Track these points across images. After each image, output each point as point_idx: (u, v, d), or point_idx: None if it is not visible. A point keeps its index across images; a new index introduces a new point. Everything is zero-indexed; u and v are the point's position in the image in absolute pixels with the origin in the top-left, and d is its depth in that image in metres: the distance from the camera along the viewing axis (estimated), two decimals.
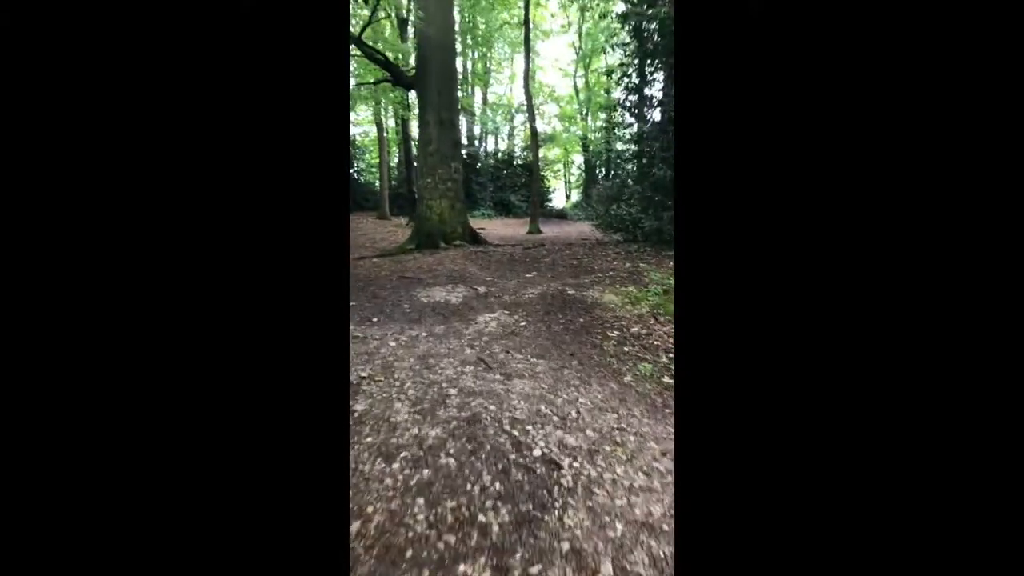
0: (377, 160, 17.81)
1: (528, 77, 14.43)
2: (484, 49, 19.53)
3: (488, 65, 22.40)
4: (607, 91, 21.60)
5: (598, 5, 17.62)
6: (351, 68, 15.56)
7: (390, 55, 8.69)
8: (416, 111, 8.76)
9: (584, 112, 21.16)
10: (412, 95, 10.77)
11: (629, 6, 8.39)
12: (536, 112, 14.56)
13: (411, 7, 7.67)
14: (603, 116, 21.58)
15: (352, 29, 8.21)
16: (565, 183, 26.95)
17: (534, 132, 14.48)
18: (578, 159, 24.71)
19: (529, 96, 14.43)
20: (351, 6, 8.17)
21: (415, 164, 9.60)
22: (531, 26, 14.75)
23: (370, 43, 8.68)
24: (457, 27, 10.10)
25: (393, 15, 10.62)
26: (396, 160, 19.70)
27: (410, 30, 11.99)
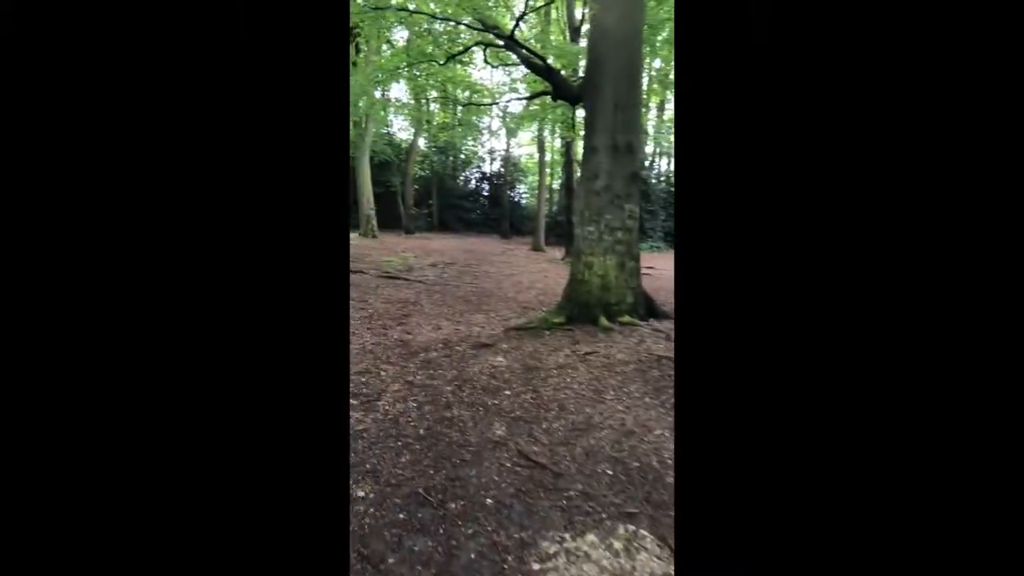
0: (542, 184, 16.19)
1: None
2: (670, 52, 16.68)
3: (670, 74, 19.54)
4: None
5: None
6: (508, 79, 14.08)
7: (553, 60, 6.69)
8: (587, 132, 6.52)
9: None
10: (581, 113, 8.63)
11: None
12: None
13: None
14: None
15: (504, 26, 6.39)
16: None
17: None
18: None
19: None
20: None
21: (575, 204, 7.39)
22: None
23: (531, 46, 6.81)
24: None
25: (562, 8, 8.70)
26: (559, 182, 18.02)
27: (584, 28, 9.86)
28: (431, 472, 2.36)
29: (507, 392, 3.42)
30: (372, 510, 2.04)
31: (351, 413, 2.96)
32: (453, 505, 2.10)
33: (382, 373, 3.74)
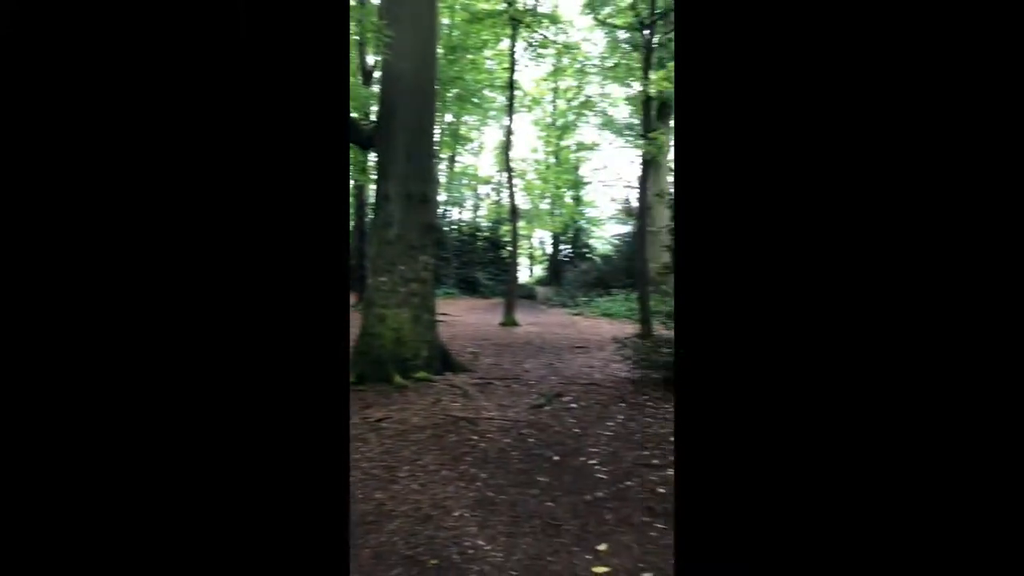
0: None
1: (508, 147, 12.43)
2: (463, 108, 17.43)
3: (461, 129, 20.56)
4: (576, 168, 20.63)
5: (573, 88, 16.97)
6: None
7: None
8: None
9: (556, 188, 19.56)
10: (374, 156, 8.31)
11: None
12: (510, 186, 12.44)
13: (374, 32, 5.31)
14: (570, 192, 20.45)
15: None
16: (529, 257, 25.52)
17: (514, 209, 12.31)
18: (540, 232, 23.20)
19: (509, 168, 12.37)
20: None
21: (367, 251, 7.01)
22: (515, 92, 12.96)
23: None
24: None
25: (354, 50, 8.47)
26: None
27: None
28: None
29: None
30: None
31: None
32: None
33: None
